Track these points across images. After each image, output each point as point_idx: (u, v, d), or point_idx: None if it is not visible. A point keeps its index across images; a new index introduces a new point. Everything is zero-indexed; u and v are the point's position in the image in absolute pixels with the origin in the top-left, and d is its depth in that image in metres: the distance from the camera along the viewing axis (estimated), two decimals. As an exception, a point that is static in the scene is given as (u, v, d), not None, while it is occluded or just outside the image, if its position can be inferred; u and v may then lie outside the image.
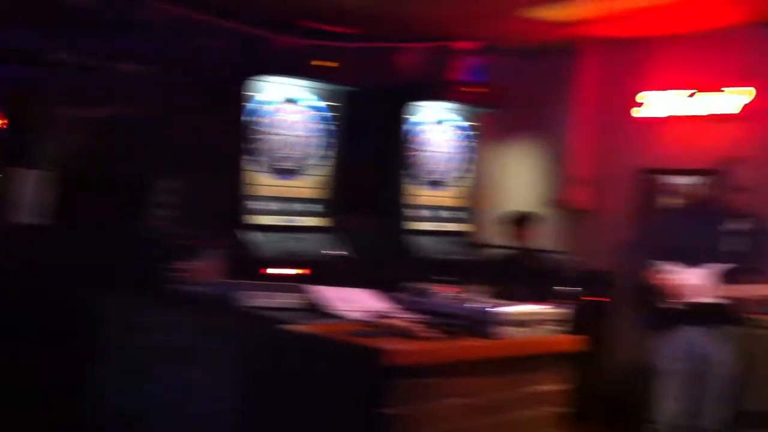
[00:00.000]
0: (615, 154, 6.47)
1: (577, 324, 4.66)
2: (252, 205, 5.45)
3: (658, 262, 4.21)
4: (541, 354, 3.23)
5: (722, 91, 5.81)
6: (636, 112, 6.28)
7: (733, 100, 5.77)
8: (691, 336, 4.20)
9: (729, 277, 4.11)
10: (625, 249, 4.41)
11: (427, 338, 3.01)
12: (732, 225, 4.20)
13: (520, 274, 5.39)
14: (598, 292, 5.84)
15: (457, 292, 3.42)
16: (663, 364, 4.24)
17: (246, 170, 5.42)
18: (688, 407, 4.24)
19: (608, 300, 5.78)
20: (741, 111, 5.74)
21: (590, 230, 6.44)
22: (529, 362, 3.20)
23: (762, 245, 4.20)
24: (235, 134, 5.40)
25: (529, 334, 3.19)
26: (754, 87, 5.67)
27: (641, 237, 4.46)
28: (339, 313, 3.43)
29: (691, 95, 5.98)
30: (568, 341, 3.31)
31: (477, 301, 3.29)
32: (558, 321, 3.31)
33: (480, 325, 3.13)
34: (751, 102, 5.70)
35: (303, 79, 5.61)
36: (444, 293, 3.42)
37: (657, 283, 4.19)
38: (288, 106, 5.60)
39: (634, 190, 6.35)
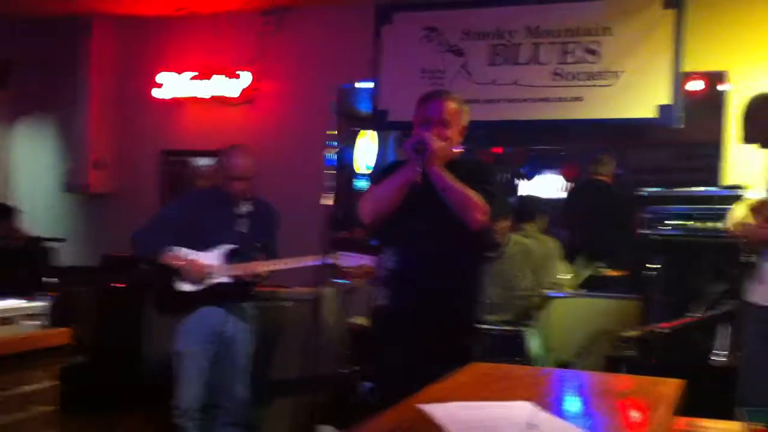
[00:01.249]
0: (135, 135, 6.35)
1: (93, 312, 4.38)
2: None
3: (175, 245, 4.19)
4: (27, 351, 2.96)
5: (229, 74, 5.99)
6: (155, 93, 6.21)
7: (236, 83, 6.00)
8: (210, 317, 4.24)
9: (238, 257, 4.23)
10: (143, 232, 4.29)
11: None
12: (238, 208, 4.32)
13: (9, 267, 4.96)
14: (121, 278, 5.68)
15: None
16: (183, 347, 4.22)
17: None
18: (210, 388, 4.27)
19: (131, 286, 5.64)
20: (241, 95, 5.99)
21: (110, 214, 6.24)
22: (13, 361, 2.90)
23: (263, 226, 4.40)
24: None
25: (11, 332, 2.89)
26: (251, 72, 5.96)
27: (157, 220, 4.39)
28: None
29: (202, 77, 6.07)
30: (56, 335, 3.08)
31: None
32: (44, 315, 3.06)
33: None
34: (249, 86, 5.98)
35: None
36: None
37: (174, 265, 4.16)
38: None
39: (155, 172, 6.29)
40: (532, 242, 5.05)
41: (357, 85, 5.96)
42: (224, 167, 4.33)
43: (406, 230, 3.30)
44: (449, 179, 3.18)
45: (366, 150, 7.25)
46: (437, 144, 3.17)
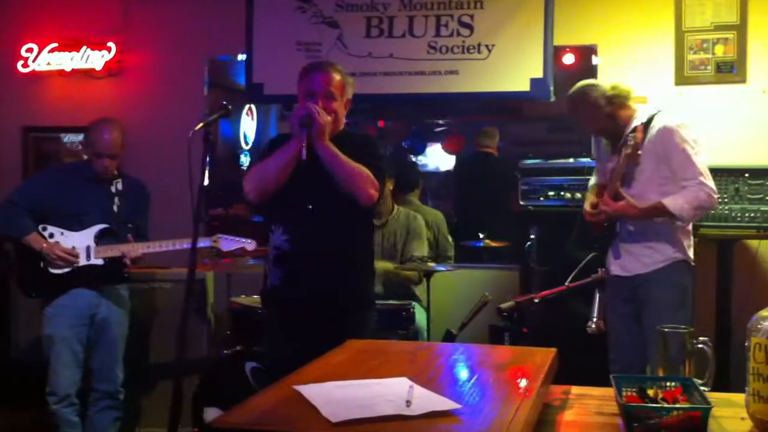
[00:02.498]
0: (-2, 109, 5.98)
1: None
2: None
3: (42, 223, 4.05)
4: None
5: (92, 46, 5.72)
6: (13, 66, 5.83)
7: (99, 56, 5.74)
8: (81, 299, 4.12)
9: (110, 237, 4.12)
10: (4, 208, 4.09)
11: None
12: (108, 186, 4.20)
13: None
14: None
15: None
16: (54, 331, 4.09)
17: None
18: (85, 373, 4.19)
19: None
20: (105, 67, 5.74)
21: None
22: None
23: (135, 205, 4.27)
24: None
25: None
26: (116, 43, 5.71)
27: (19, 195, 4.16)
28: None
29: (63, 49, 5.76)
30: None
31: None
32: None
33: None
34: (113, 58, 5.73)
35: None
36: None
37: (44, 248, 4.01)
38: None
39: (18, 150, 5.94)
40: (417, 214, 5.05)
41: (236, 57, 5.77)
42: (91, 143, 4.16)
43: (293, 207, 3.20)
44: (337, 154, 3.09)
45: (245, 124, 7.10)
46: (324, 117, 3.08)
